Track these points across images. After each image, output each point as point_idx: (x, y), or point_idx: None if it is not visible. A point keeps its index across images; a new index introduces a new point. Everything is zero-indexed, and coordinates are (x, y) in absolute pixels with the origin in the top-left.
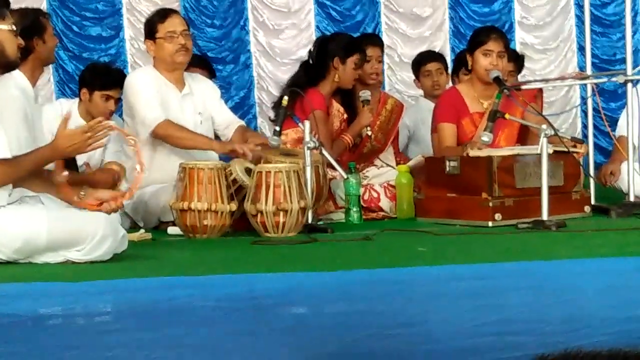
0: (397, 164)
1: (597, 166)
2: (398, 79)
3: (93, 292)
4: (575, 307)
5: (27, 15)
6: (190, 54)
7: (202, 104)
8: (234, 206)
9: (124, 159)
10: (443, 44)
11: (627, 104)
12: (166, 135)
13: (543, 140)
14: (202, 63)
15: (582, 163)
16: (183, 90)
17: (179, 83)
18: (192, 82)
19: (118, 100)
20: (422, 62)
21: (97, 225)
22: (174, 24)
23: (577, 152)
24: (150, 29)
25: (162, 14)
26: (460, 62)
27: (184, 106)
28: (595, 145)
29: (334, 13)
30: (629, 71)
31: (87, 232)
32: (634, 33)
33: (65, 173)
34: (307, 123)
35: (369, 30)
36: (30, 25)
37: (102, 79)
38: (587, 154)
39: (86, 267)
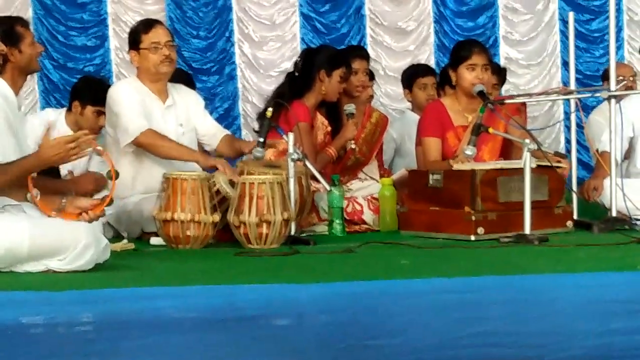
0: (381, 177)
1: (580, 181)
2: (382, 92)
3: (75, 301)
4: (555, 320)
5: (1, 24)
6: (174, 65)
7: (185, 116)
8: (217, 217)
9: (108, 168)
10: (428, 57)
11: (610, 120)
12: (149, 144)
13: (526, 155)
14: (182, 77)
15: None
16: (166, 102)
17: (163, 94)
18: (175, 93)
19: None
20: (418, 74)
21: (79, 235)
22: (158, 35)
23: (561, 168)
24: (135, 40)
25: (147, 25)
26: (447, 77)
27: (167, 117)
28: (578, 160)
29: (319, 25)
30: (613, 87)
31: (70, 241)
32: (617, 49)
33: (35, 192)
34: (291, 135)
35: (354, 43)
36: (4, 34)
37: (96, 94)
38: (570, 169)
39: (68, 277)
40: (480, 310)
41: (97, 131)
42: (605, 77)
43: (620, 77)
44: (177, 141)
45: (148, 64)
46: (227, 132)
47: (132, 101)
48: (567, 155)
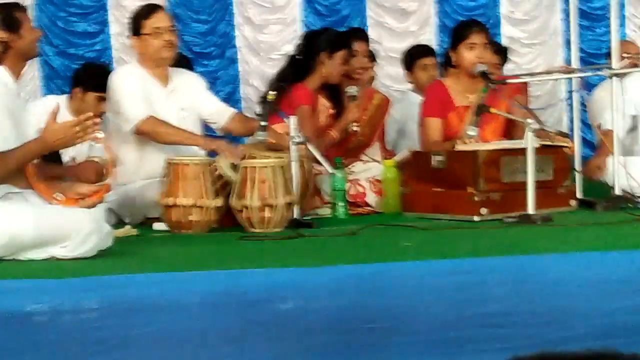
0: (384, 158)
1: (584, 160)
2: (384, 74)
3: (79, 288)
4: (559, 300)
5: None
6: (176, 50)
7: (187, 100)
8: (219, 202)
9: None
10: (429, 38)
11: (612, 99)
12: (150, 131)
13: (529, 134)
14: (181, 61)
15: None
16: (168, 87)
17: (164, 79)
18: (176, 78)
19: None
20: (418, 55)
21: (82, 222)
22: (159, 20)
23: (564, 147)
24: (136, 26)
25: (148, 10)
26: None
27: (169, 102)
28: (582, 139)
29: (319, 7)
30: (615, 65)
31: (72, 228)
32: (620, 27)
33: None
34: (293, 118)
35: (355, 25)
36: (3, 21)
37: (97, 80)
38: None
39: (71, 264)
40: (484, 291)
41: (99, 117)
42: (610, 54)
43: (625, 55)
44: (178, 126)
45: (150, 49)
46: (235, 110)
47: (132, 88)
48: (569, 134)
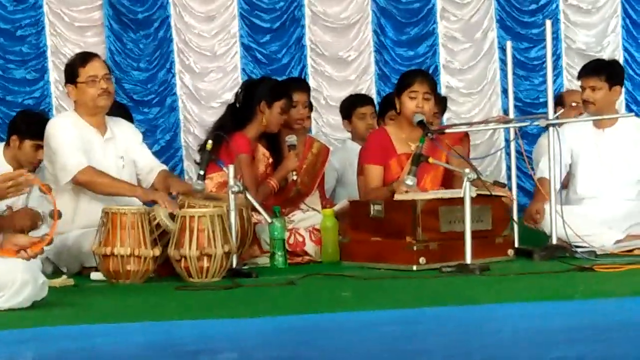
0: (323, 207)
1: (522, 208)
2: (324, 122)
3: (12, 340)
4: (496, 350)
5: None
6: (112, 98)
7: (124, 148)
8: (157, 251)
9: (47, 204)
10: (369, 86)
11: (548, 148)
12: (88, 182)
13: (466, 184)
14: (119, 110)
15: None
16: (105, 135)
17: (101, 127)
18: (114, 126)
19: None
20: (356, 104)
21: (16, 273)
22: (95, 68)
23: (503, 196)
24: (71, 74)
25: (83, 58)
26: (387, 105)
27: (106, 151)
28: (520, 187)
29: (259, 56)
30: (550, 115)
31: (6, 279)
32: (556, 77)
33: None
34: (231, 167)
35: (295, 73)
36: None
37: (34, 128)
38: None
39: (6, 315)
40: (422, 341)
41: (36, 165)
42: (558, 102)
43: (574, 103)
44: (117, 176)
45: (86, 97)
46: (164, 166)
47: (69, 137)
48: (507, 184)
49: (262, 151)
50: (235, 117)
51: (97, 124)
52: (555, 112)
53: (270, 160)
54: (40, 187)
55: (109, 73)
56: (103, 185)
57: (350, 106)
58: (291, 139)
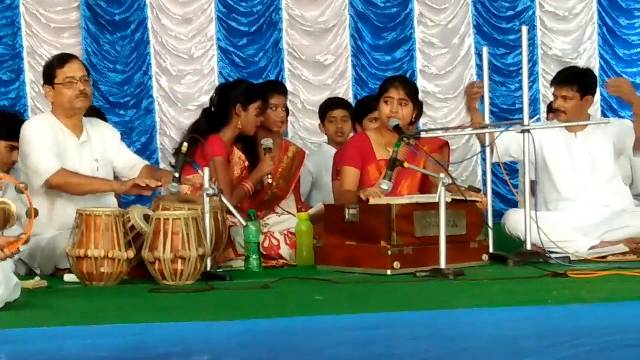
0: (299, 211)
1: (497, 214)
2: (301, 126)
3: None
4: (468, 356)
5: None
6: (89, 100)
7: (100, 151)
8: (131, 253)
9: (22, 205)
10: (346, 91)
11: (523, 153)
12: (61, 184)
13: (441, 189)
14: (93, 113)
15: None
16: (81, 137)
17: (77, 130)
18: (90, 128)
19: None
20: (328, 108)
21: None
22: (73, 70)
23: (477, 202)
24: (49, 75)
25: (61, 60)
26: (362, 109)
27: (82, 154)
28: (495, 192)
29: (237, 59)
30: (526, 121)
31: None
32: (533, 83)
33: None
34: (206, 170)
35: (273, 77)
36: None
37: (8, 128)
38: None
39: None
40: (395, 345)
41: (10, 166)
42: (550, 110)
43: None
44: (91, 176)
45: (63, 99)
46: (146, 162)
47: (43, 140)
48: (481, 189)
49: (238, 154)
50: (211, 120)
51: (73, 127)
52: (548, 118)
53: (247, 163)
54: (17, 186)
55: (88, 75)
56: (77, 186)
57: (324, 110)
58: (267, 142)
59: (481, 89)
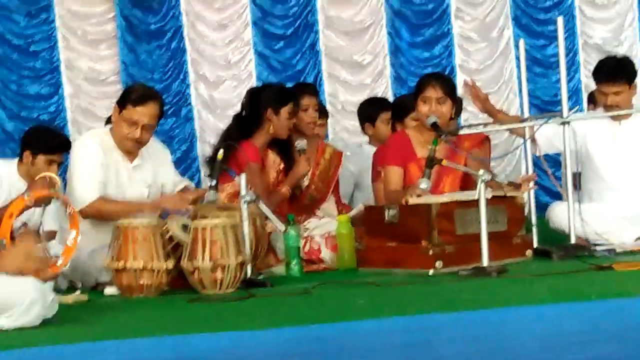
0: (339, 213)
1: (542, 206)
2: (342, 127)
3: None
4: (514, 355)
5: None
6: (141, 146)
7: (152, 174)
8: (170, 264)
9: (63, 218)
10: (385, 90)
11: (564, 146)
12: (95, 214)
13: (481, 186)
14: None
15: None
16: (134, 162)
17: (131, 154)
18: (144, 150)
19: (61, 165)
20: (382, 109)
21: (25, 291)
22: (142, 114)
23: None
24: (124, 100)
25: (140, 98)
26: (402, 108)
27: (133, 178)
28: (539, 185)
29: (274, 63)
30: (565, 113)
31: (15, 297)
32: (574, 73)
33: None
34: (242, 176)
35: (310, 79)
36: None
37: (47, 142)
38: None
39: (15, 334)
40: (439, 348)
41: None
42: (590, 100)
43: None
44: (128, 201)
45: (120, 130)
46: (187, 182)
47: (90, 163)
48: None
49: (273, 158)
50: (242, 126)
51: (126, 151)
52: (588, 109)
53: (282, 166)
54: (63, 201)
55: (156, 120)
56: (111, 214)
57: (376, 110)
58: (300, 143)
59: (474, 86)
